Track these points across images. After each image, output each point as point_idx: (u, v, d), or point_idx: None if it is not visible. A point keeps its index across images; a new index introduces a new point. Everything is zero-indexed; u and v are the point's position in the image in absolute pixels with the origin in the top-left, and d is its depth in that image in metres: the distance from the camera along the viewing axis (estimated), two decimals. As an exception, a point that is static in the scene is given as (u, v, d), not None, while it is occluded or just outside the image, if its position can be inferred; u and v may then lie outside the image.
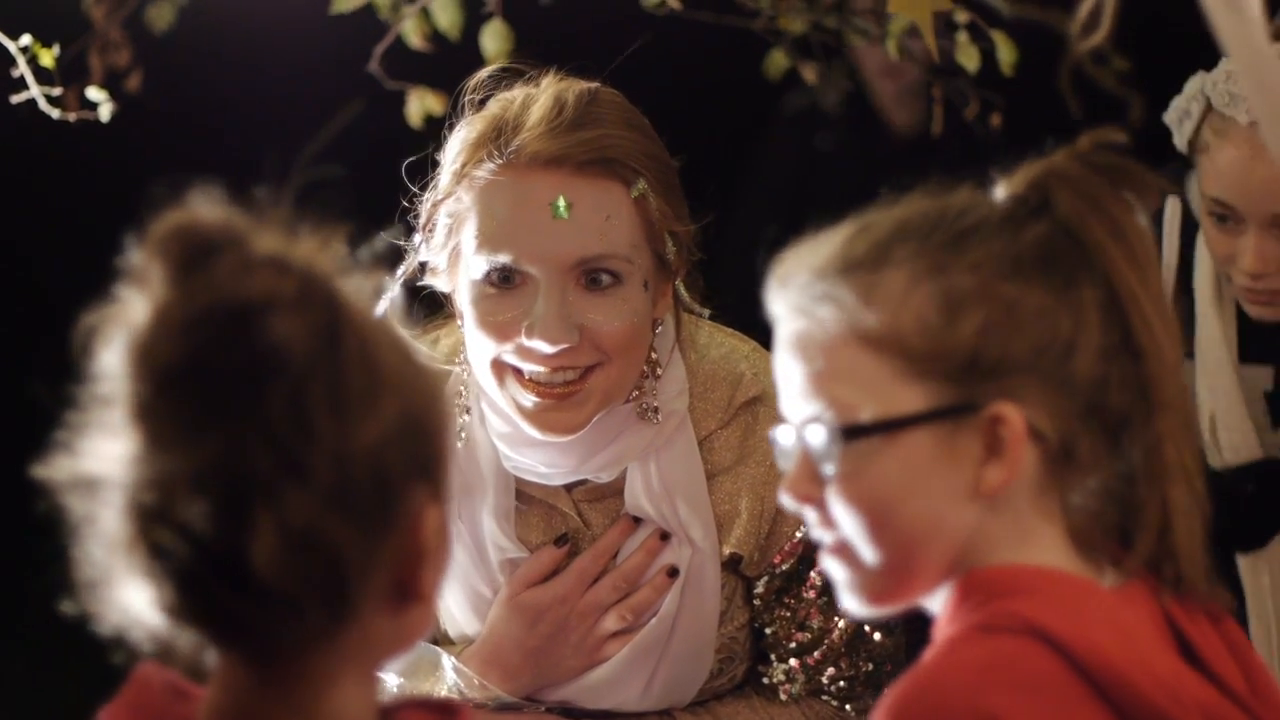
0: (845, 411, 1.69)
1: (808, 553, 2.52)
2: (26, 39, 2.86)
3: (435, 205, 2.42)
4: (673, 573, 2.50)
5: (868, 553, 1.70)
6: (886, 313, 1.68)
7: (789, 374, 1.73)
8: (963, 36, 3.17)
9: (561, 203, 2.35)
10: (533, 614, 2.50)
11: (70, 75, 2.99)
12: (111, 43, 3.26)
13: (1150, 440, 1.72)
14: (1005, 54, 3.15)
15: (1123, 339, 1.71)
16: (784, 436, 1.75)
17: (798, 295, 1.72)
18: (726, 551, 2.52)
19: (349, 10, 3.24)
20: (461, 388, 2.50)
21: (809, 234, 1.77)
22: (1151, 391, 1.72)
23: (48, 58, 2.86)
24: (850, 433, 1.69)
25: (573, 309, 2.36)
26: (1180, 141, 2.88)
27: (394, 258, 2.46)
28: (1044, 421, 1.68)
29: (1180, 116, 2.86)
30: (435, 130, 2.49)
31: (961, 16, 3.13)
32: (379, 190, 2.49)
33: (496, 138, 2.37)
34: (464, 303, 2.41)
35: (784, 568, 2.53)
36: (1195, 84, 2.85)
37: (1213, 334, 2.98)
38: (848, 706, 2.57)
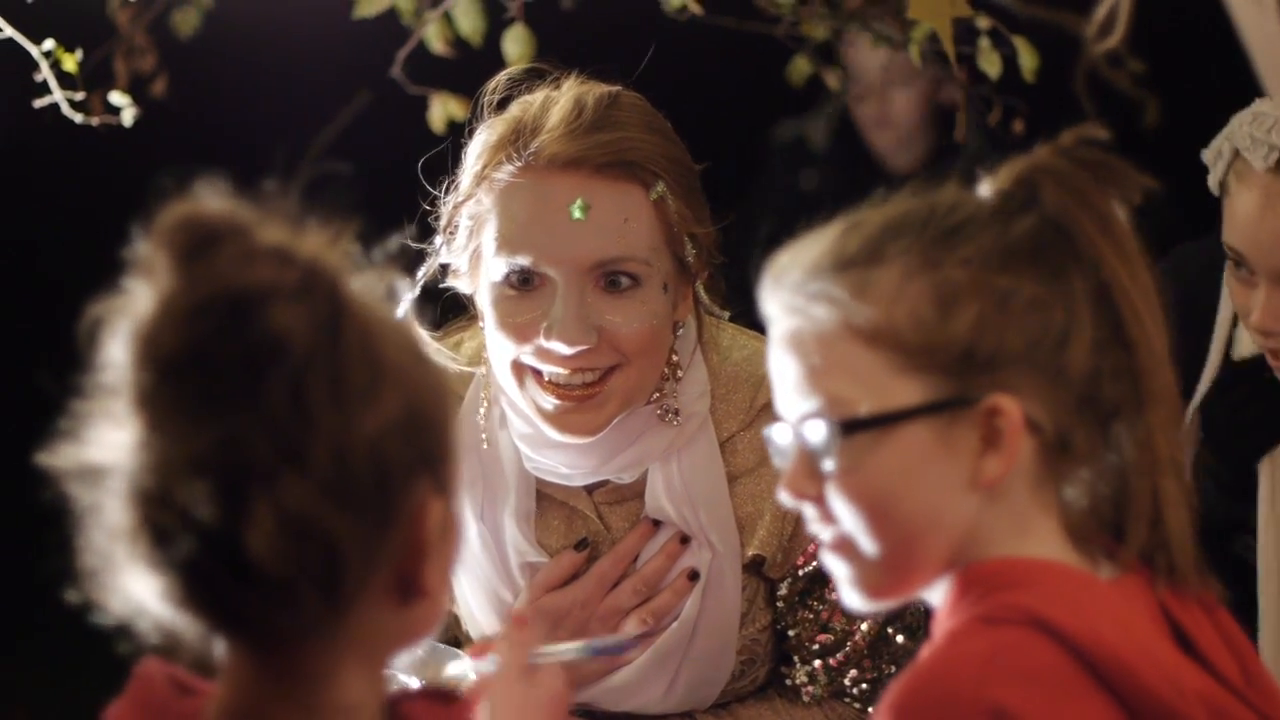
0: (842, 407, 1.70)
1: (831, 555, 2.53)
2: (49, 43, 2.87)
3: (456, 207, 2.43)
4: (693, 576, 2.50)
5: (868, 546, 1.71)
6: (881, 308, 1.69)
7: (784, 372, 1.74)
8: (984, 43, 3.16)
9: (579, 204, 2.35)
10: (553, 618, 2.51)
11: (94, 80, 3.00)
12: (136, 48, 3.27)
13: (1141, 432, 1.73)
14: (1027, 60, 3.15)
15: (1113, 331, 1.72)
16: (780, 435, 1.76)
17: (791, 294, 1.73)
18: (749, 553, 2.52)
19: (372, 15, 3.24)
20: (483, 390, 2.51)
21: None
22: (1142, 383, 1.73)
23: (70, 62, 2.87)
24: (848, 427, 1.70)
25: (591, 311, 2.36)
26: (1212, 182, 2.73)
27: (415, 260, 2.47)
28: (1040, 413, 1.70)
29: (1215, 156, 2.71)
30: (457, 135, 2.50)
31: (983, 23, 3.13)
32: (401, 195, 2.50)
33: (516, 140, 2.38)
34: (485, 304, 2.42)
35: (807, 570, 2.53)
36: (1234, 122, 2.70)
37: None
38: (870, 709, 2.57)
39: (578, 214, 2.35)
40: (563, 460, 2.47)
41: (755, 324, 2.56)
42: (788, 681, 2.59)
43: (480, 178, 2.40)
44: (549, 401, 2.39)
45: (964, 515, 1.71)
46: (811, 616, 2.55)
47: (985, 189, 1.77)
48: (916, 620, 2.59)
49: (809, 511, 1.75)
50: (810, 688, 2.57)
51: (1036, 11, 2.66)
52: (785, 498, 1.76)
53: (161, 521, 1.46)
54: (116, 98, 3.01)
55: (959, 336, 1.69)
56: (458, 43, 3.31)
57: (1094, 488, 1.73)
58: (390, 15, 3.29)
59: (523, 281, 2.38)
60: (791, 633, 2.57)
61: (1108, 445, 1.73)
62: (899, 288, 1.70)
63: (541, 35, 3.10)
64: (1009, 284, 1.70)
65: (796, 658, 2.58)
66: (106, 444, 1.49)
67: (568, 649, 2.16)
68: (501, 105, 2.46)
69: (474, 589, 2.54)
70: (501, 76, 2.48)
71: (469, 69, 2.74)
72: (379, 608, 1.53)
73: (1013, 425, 1.68)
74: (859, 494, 1.70)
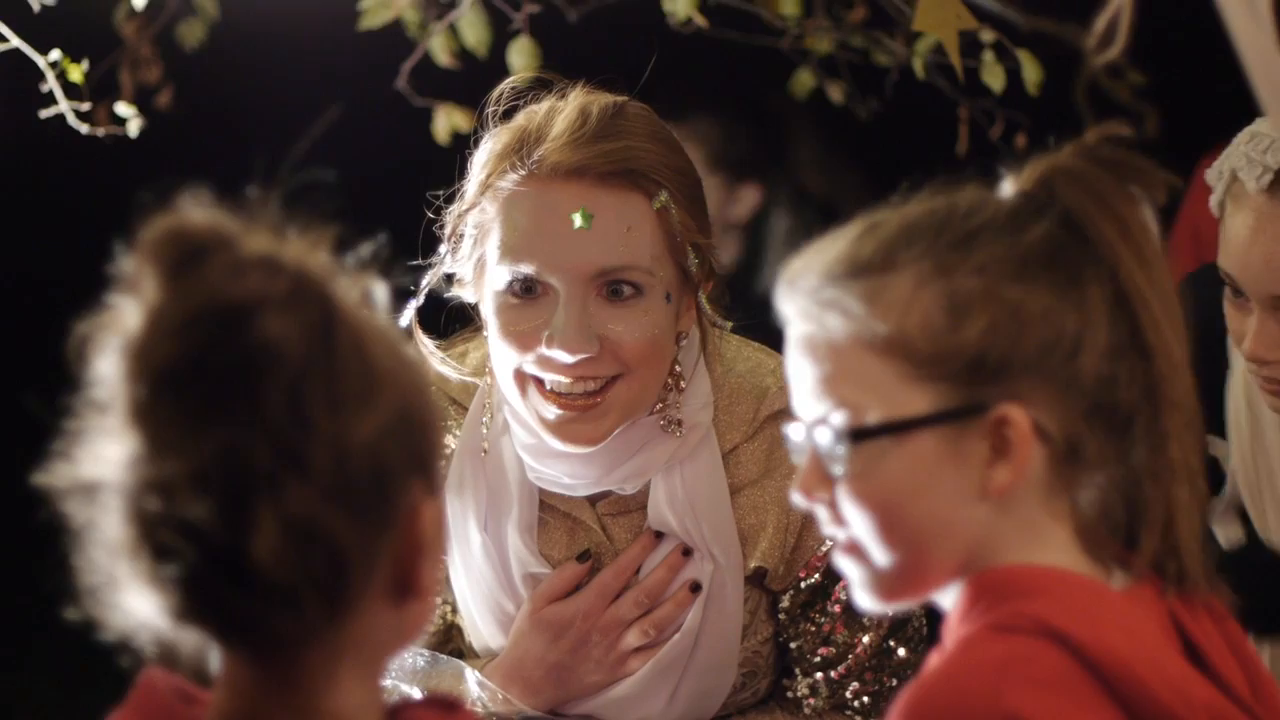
0: (853, 413, 1.71)
1: (833, 567, 2.52)
2: (56, 54, 2.88)
3: (460, 216, 2.43)
4: (695, 588, 2.50)
5: (878, 553, 1.72)
6: (892, 317, 1.70)
7: (799, 374, 1.75)
8: (988, 56, 3.17)
9: (583, 213, 2.35)
10: (555, 630, 2.51)
11: (100, 91, 3.01)
12: (142, 59, 3.27)
13: (1156, 438, 1.73)
14: (1031, 73, 3.16)
15: (1130, 336, 1.72)
16: (795, 433, 1.76)
17: (806, 299, 1.74)
18: (751, 565, 2.52)
19: (377, 27, 3.25)
20: (486, 400, 2.51)
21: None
22: (1158, 389, 1.72)
23: (76, 73, 2.88)
24: (857, 435, 1.70)
25: (593, 319, 2.37)
26: (1213, 204, 2.64)
27: (419, 271, 2.47)
28: (1050, 422, 1.69)
29: (1215, 177, 2.61)
30: (462, 146, 2.50)
31: (987, 36, 3.14)
32: (406, 206, 2.51)
33: (520, 148, 2.38)
34: (488, 313, 2.42)
35: (809, 582, 2.53)
36: (1234, 142, 2.60)
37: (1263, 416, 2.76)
38: (871, 722, 2.58)
39: (581, 222, 2.35)
40: (565, 471, 2.47)
41: (759, 334, 2.58)
42: (789, 694, 2.59)
43: (485, 186, 2.40)
44: (551, 411, 2.39)
45: (974, 523, 1.71)
46: (813, 629, 2.56)
47: (1006, 189, 1.77)
48: (918, 633, 2.59)
49: (821, 513, 1.76)
50: (812, 700, 2.57)
51: (1039, 24, 2.66)
52: (797, 498, 1.76)
53: (163, 534, 1.46)
54: (122, 109, 3.02)
55: (969, 346, 1.68)
56: (463, 55, 3.31)
57: (1106, 495, 1.73)
58: (396, 27, 3.30)
59: (525, 290, 2.38)
60: (793, 645, 2.57)
61: (1122, 452, 1.73)
62: (911, 296, 1.70)
63: (547, 48, 3.11)
64: (1022, 292, 1.69)
65: (798, 670, 2.58)
66: (101, 460, 1.49)
67: None
68: (508, 115, 2.46)
69: (477, 600, 2.55)
70: (506, 85, 2.49)
71: (474, 81, 2.74)
72: (377, 609, 1.54)
73: (1022, 435, 1.68)
74: (868, 500, 1.71)
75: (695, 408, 2.49)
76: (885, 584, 1.74)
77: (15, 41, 2.86)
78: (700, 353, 2.51)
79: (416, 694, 2.46)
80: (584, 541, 2.53)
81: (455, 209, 2.45)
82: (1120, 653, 1.64)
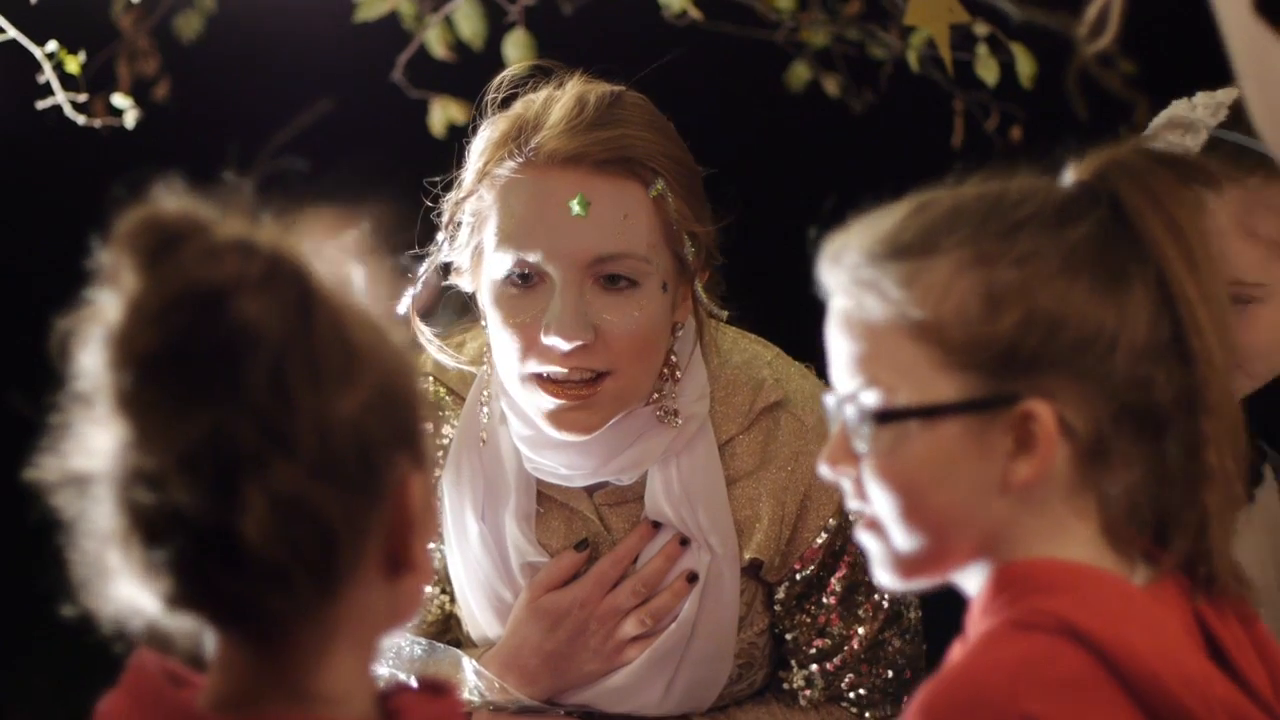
0: (882, 393, 1.71)
1: (828, 559, 2.53)
2: (53, 45, 2.89)
3: (458, 204, 2.44)
4: (692, 578, 2.51)
5: (897, 533, 1.72)
6: (929, 302, 1.69)
7: (836, 347, 1.75)
8: (982, 49, 3.18)
9: (580, 200, 2.36)
10: (552, 618, 2.51)
11: (97, 82, 3.01)
12: (139, 51, 3.28)
13: (1192, 442, 1.71)
14: (1024, 66, 3.17)
15: (1172, 339, 1.70)
16: (831, 402, 1.76)
17: (847, 275, 1.73)
18: (747, 557, 2.52)
19: (373, 19, 3.26)
20: (485, 390, 2.52)
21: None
22: (1198, 394, 1.70)
23: (73, 64, 2.88)
24: (884, 415, 1.70)
25: (589, 307, 2.37)
26: None
27: (415, 261, 2.48)
28: (1077, 419, 1.68)
29: None
30: (457, 138, 2.51)
31: (981, 29, 3.14)
32: (401, 198, 2.51)
33: (518, 136, 2.39)
34: (486, 303, 2.43)
35: (804, 573, 2.54)
36: (1150, 129, 2.57)
37: None
38: (867, 714, 2.58)
39: (578, 210, 2.36)
40: (562, 461, 2.48)
41: (755, 323, 2.59)
42: (785, 685, 2.60)
43: (482, 174, 2.41)
44: (550, 402, 2.40)
45: (994, 514, 1.70)
46: (809, 620, 2.56)
47: (1066, 177, 1.75)
48: (914, 626, 2.59)
49: (846, 485, 1.76)
50: (808, 691, 2.58)
51: (1031, 14, 2.66)
52: (823, 468, 1.77)
53: (154, 520, 1.47)
54: (119, 100, 3.02)
55: (1002, 337, 1.68)
56: (459, 47, 3.32)
57: (1134, 494, 1.72)
58: (391, 20, 3.30)
59: (522, 278, 2.38)
60: (789, 636, 2.58)
61: (1153, 454, 1.71)
62: (949, 283, 1.69)
63: (542, 40, 3.12)
64: (1061, 289, 1.68)
65: (794, 661, 2.59)
66: (89, 451, 1.50)
67: None
68: (505, 104, 2.47)
69: (474, 589, 2.55)
70: (506, 74, 2.49)
71: (470, 73, 2.75)
72: (369, 586, 1.54)
73: (1046, 432, 1.67)
74: (890, 480, 1.71)
75: (691, 399, 2.50)
76: (902, 563, 1.74)
77: (12, 33, 2.86)
78: (696, 343, 2.52)
79: (413, 682, 2.47)
80: (582, 531, 2.54)
81: (453, 196, 2.45)
82: (1139, 651, 1.63)
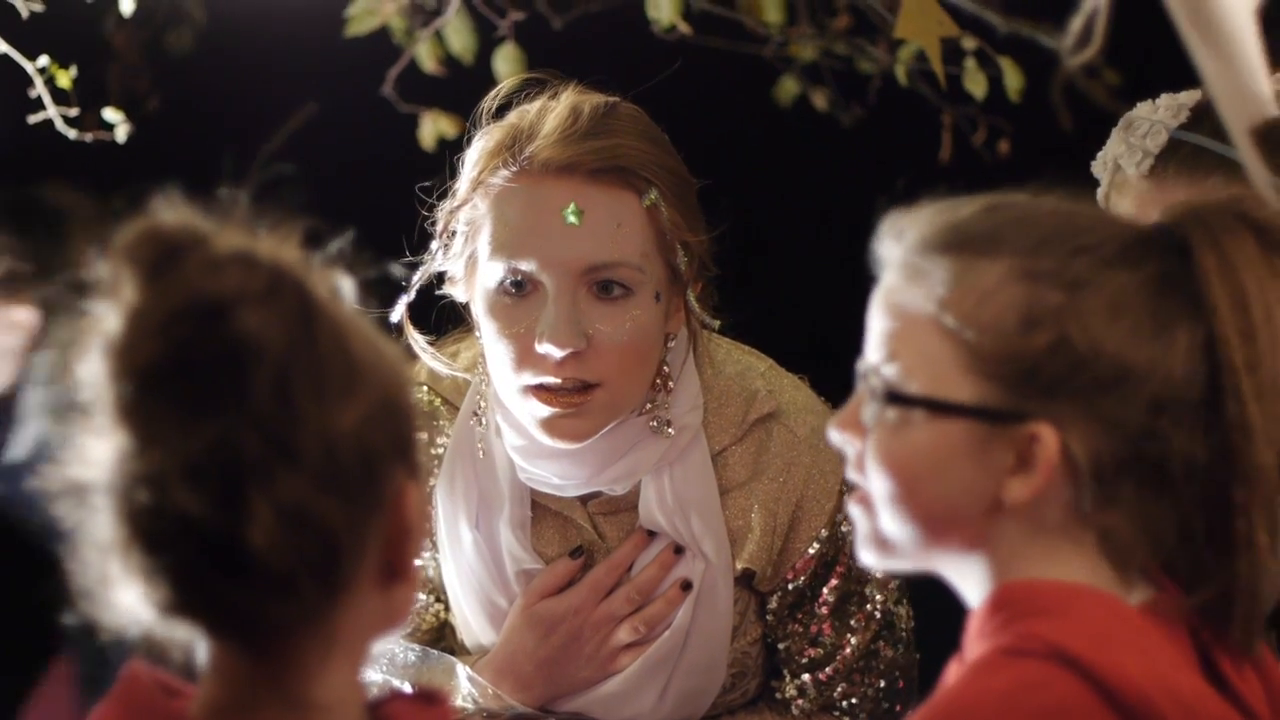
0: (901, 374, 1.71)
1: (820, 569, 2.54)
2: (44, 60, 2.89)
3: (452, 213, 2.45)
4: (686, 586, 2.52)
5: (885, 515, 1.73)
6: (969, 303, 1.69)
7: (874, 318, 1.76)
8: (970, 63, 3.19)
9: (573, 209, 2.37)
10: (547, 625, 2.52)
11: (88, 96, 3.02)
12: (131, 65, 3.29)
13: (1220, 508, 1.69)
14: (1012, 80, 3.18)
15: (1207, 400, 1.68)
16: (859, 367, 1.77)
17: (901, 255, 1.74)
18: (739, 567, 2.53)
19: (364, 34, 3.27)
20: (480, 400, 2.53)
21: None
22: (1233, 461, 1.69)
23: (65, 79, 2.89)
24: (894, 396, 1.71)
25: (583, 315, 2.38)
26: (1100, 195, 2.50)
27: (409, 271, 2.49)
28: (1081, 452, 1.68)
29: (1102, 166, 2.49)
30: (448, 152, 2.52)
31: (969, 43, 3.15)
32: (391, 212, 2.52)
33: (512, 145, 2.40)
34: (480, 313, 2.44)
35: (796, 584, 2.55)
36: (1113, 132, 2.51)
37: None
38: (858, 723, 2.59)
39: (572, 218, 2.37)
40: (555, 471, 2.49)
41: (748, 334, 2.59)
42: (778, 695, 2.60)
43: (476, 183, 2.41)
44: (543, 409, 2.40)
45: (984, 525, 1.71)
46: (801, 630, 2.57)
47: (1149, 218, 1.73)
48: (906, 635, 2.60)
49: (849, 453, 1.77)
50: (800, 701, 2.59)
51: (1018, 26, 2.67)
52: (832, 431, 1.78)
53: (156, 529, 1.48)
54: (110, 114, 3.03)
55: (1029, 355, 1.67)
56: (449, 61, 3.33)
57: (1140, 541, 1.71)
58: (382, 34, 3.31)
59: (516, 286, 2.39)
60: (781, 646, 2.59)
61: (1171, 509, 1.70)
62: (995, 289, 1.69)
63: (532, 54, 3.12)
64: (1101, 324, 1.67)
65: (786, 671, 2.59)
66: (89, 461, 1.51)
67: None
68: (500, 114, 2.48)
69: (469, 596, 2.56)
70: (504, 86, 2.50)
71: (460, 87, 2.76)
72: (365, 594, 1.56)
73: (1047, 456, 1.68)
74: (886, 460, 1.72)
75: (684, 409, 2.51)
76: (885, 545, 1.75)
77: (4, 47, 2.87)
78: (689, 354, 2.53)
79: (406, 689, 2.47)
80: (576, 539, 2.54)
81: (447, 206, 2.46)
82: (1130, 673, 1.63)
